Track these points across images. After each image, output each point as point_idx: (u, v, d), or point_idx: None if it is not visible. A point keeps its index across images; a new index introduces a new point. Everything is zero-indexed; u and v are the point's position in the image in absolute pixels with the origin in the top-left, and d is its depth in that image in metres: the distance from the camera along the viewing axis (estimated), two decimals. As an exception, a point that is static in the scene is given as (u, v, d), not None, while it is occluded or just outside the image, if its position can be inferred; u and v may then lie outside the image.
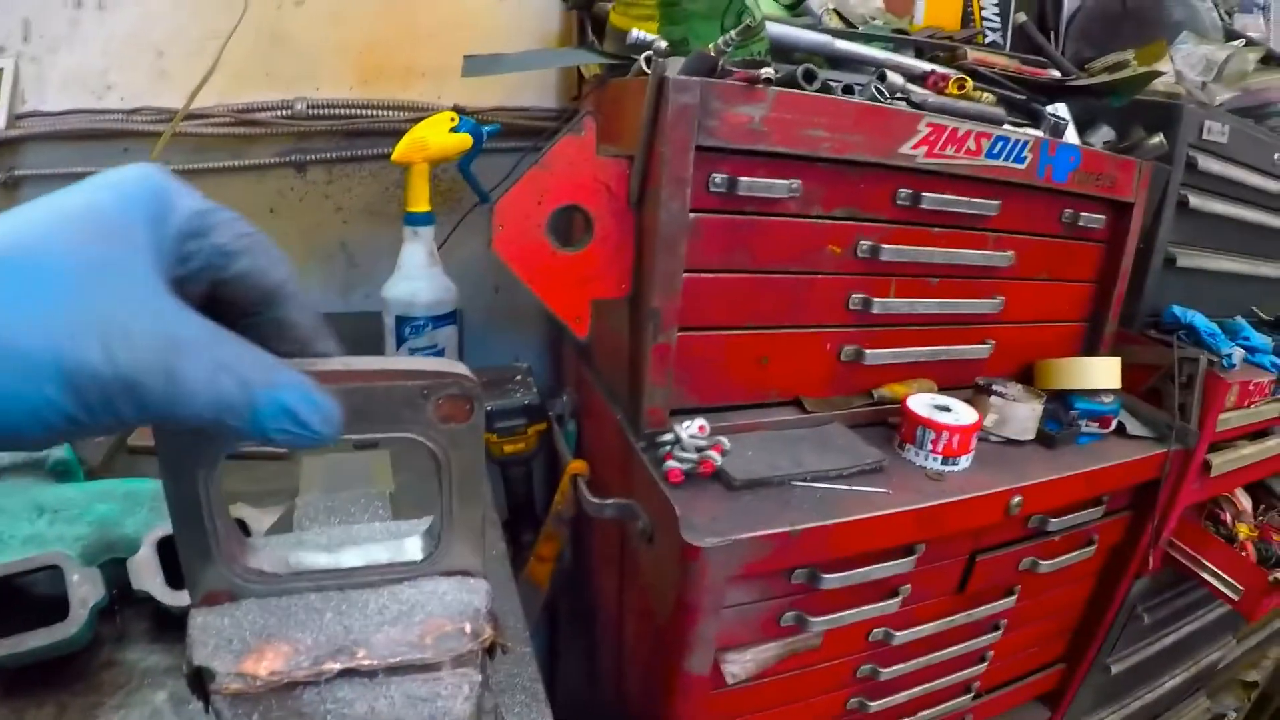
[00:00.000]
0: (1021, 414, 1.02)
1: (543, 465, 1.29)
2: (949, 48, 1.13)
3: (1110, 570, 1.19)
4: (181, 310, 0.26)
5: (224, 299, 0.29)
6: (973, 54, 1.12)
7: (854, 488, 0.87)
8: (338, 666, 0.34)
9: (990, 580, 1.02)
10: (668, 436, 0.84)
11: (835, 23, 1.10)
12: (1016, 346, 1.11)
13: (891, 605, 0.93)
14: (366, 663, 0.35)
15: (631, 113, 0.84)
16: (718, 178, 0.83)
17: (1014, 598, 1.06)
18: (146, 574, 0.65)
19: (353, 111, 1.22)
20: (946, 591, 1.00)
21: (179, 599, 0.64)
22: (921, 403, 0.96)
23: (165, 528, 0.68)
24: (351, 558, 0.38)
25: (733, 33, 0.85)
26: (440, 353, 1.05)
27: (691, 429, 0.84)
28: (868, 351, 0.98)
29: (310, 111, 1.21)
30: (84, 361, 0.23)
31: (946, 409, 0.96)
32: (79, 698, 0.62)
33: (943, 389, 1.03)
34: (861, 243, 0.94)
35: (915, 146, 0.91)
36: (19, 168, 1.21)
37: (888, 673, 0.99)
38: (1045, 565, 1.04)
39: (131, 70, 1.22)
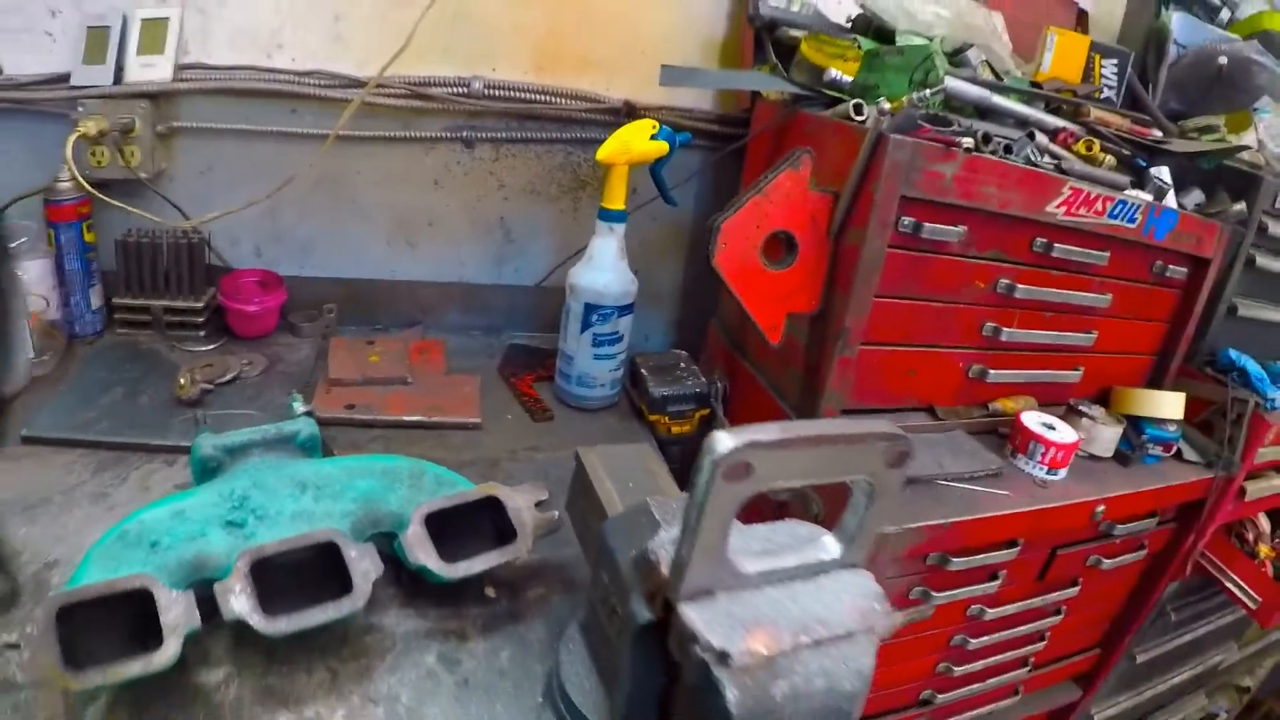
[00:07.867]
0: (1106, 435, 1.23)
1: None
2: (1074, 103, 1.27)
3: (1152, 572, 1.42)
4: None
5: None
6: (1094, 112, 1.26)
7: (984, 489, 1.06)
8: (808, 640, 0.48)
9: (1064, 572, 1.26)
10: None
11: (986, 73, 1.23)
12: (1100, 373, 1.32)
13: (991, 587, 1.14)
14: (825, 635, 0.49)
15: (834, 151, 1.00)
16: (906, 220, 1.00)
17: (1077, 588, 1.28)
18: (420, 549, 0.71)
19: (528, 95, 1.34)
20: (1030, 578, 1.23)
21: (453, 572, 0.71)
22: (1033, 420, 1.16)
23: (430, 503, 0.75)
24: (789, 558, 0.53)
25: (927, 92, 1.00)
26: (620, 338, 1.19)
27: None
28: (991, 371, 1.16)
29: (486, 91, 1.33)
30: None
31: (1051, 427, 1.15)
32: (348, 663, 0.67)
33: (1040, 405, 1.21)
34: (1001, 281, 1.12)
35: (1058, 205, 1.09)
36: (178, 119, 1.29)
37: (975, 643, 1.22)
38: (1107, 563, 1.26)
39: (306, 31, 1.30)
